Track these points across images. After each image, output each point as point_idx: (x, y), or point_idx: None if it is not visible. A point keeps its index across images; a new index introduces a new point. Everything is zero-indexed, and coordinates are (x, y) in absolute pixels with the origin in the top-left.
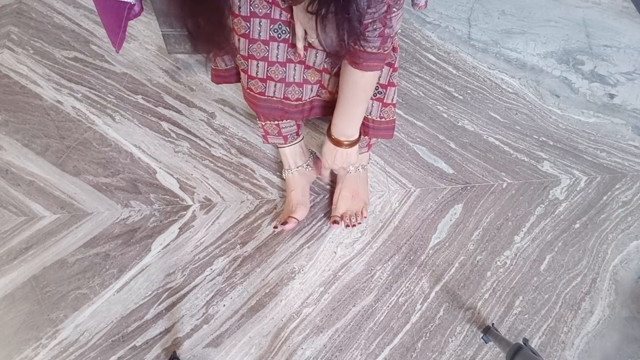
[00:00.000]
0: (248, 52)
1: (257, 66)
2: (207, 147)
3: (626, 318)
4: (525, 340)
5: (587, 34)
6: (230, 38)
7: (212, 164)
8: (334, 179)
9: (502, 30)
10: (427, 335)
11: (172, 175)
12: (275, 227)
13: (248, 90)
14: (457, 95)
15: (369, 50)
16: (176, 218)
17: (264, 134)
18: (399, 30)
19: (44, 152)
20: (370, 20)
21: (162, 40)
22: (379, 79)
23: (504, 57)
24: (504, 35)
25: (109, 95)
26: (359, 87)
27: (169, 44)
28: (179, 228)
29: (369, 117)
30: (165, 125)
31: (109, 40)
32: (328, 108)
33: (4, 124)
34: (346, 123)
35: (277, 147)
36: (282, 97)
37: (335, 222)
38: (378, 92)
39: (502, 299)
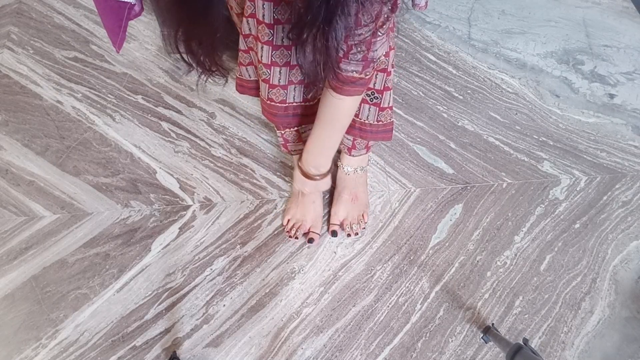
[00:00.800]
0: (271, 59)
1: (280, 72)
2: (207, 147)
3: (626, 318)
4: (525, 340)
5: (587, 34)
6: (220, 62)
7: (212, 164)
8: (334, 180)
9: (502, 30)
10: (427, 335)
11: (172, 175)
12: (295, 237)
13: (268, 101)
14: (457, 95)
15: (350, 75)
16: (176, 218)
17: (283, 142)
18: (382, 57)
19: (44, 152)
20: (356, 42)
21: (162, 40)
22: (374, 85)
23: (504, 57)
24: (504, 35)
25: (109, 95)
26: (337, 112)
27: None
28: (179, 228)
29: (366, 121)
30: (165, 125)
31: (109, 40)
32: None
33: (4, 124)
34: (319, 151)
35: (293, 155)
36: (301, 100)
37: (333, 232)
38: (374, 97)
39: (502, 299)
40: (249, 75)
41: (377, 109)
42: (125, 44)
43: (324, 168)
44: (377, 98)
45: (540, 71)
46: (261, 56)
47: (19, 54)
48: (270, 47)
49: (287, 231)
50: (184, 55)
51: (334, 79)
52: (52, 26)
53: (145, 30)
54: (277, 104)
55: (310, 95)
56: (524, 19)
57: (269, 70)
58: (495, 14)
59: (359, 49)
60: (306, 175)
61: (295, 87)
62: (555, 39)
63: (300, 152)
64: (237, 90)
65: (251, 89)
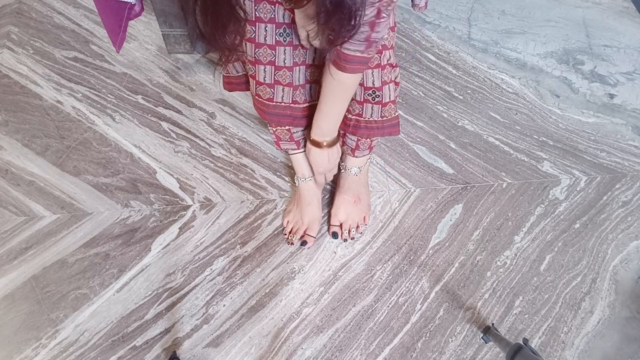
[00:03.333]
0: (255, 56)
1: (265, 71)
2: (207, 147)
3: (626, 318)
4: (525, 340)
5: (587, 34)
6: (240, 37)
7: (212, 164)
8: (335, 179)
9: (502, 30)
10: (427, 335)
11: (172, 175)
12: (291, 243)
13: (257, 97)
14: (457, 95)
15: (352, 53)
16: (176, 218)
17: (275, 140)
18: (385, 37)
19: (44, 152)
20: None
21: (162, 40)
22: (372, 83)
23: (504, 57)
24: (504, 35)
25: (109, 95)
26: (340, 89)
27: (169, 44)
28: (179, 228)
29: (371, 119)
30: (165, 125)
31: (109, 40)
32: None
33: (4, 124)
34: (326, 121)
35: (289, 154)
36: (290, 101)
37: (334, 233)
38: (375, 95)
39: (502, 299)
40: (236, 71)
41: (380, 105)
42: (125, 44)
43: (330, 136)
44: (379, 96)
45: (540, 71)
46: (245, 51)
47: (19, 54)
48: (253, 45)
49: (285, 234)
50: (202, 31)
51: (337, 57)
52: (52, 26)
53: (145, 30)
54: (265, 101)
55: (299, 98)
56: (524, 19)
57: (254, 67)
58: (495, 14)
59: (362, 29)
60: (315, 144)
61: (283, 88)
62: (555, 39)
63: (292, 152)
64: (224, 88)
65: (240, 84)
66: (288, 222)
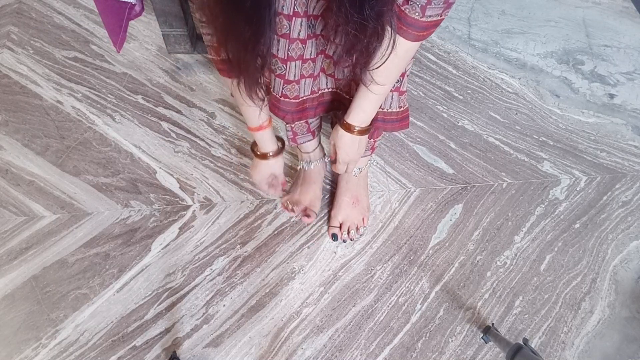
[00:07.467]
0: (287, 53)
1: (295, 67)
2: (207, 147)
3: (626, 318)
4: (525, 340)
5: (587, 34)
6: (263, 70)
7: (212, 164)
8: (335, 179)
9: (502, 30)
10: (427, 335)
11: (172, 175)
12: (291, 210)
13: (282, 98)
14: (457, 95)
15: (431, 19)
16: (176, 218)
17: (292, 136)
18: None
19: (44, 152)
20: None
21: (162, 40)
22: None
23: (504, 57)
24: (504, 35)
25: (109, 95)
26: (402, 59)
27: (169, 44)
28: (179, 228)
29: (389, 110)
30: (165, 125)
31: (109, 40)
32: (335, 102)
33: (4, 124)
34: (374, 103)
35: (299, 144)
36: (309, 92)
37: (334, 235)
38: (397, 81)
39: (502, 299)
40: None
41: (398, 93)
42: (125, 44)
43: (366, 123)
44: (399, 81)
45: (540, 71)
46: (277, 50)
47: (19, 54)
48: (287, 41)
49: (284, 206)
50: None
51: (407, 25)
52: (52, 26)
53: (145, 30)
54: (291, 100)
55: (316, 87)
56: (524, 19)
57: (284, 66)
58: (495, 14)
59: None
60: (348, 128)
61: (305, 81)
62: (555, 39)
63: (307, 141)
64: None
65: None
66: (288, 201)
